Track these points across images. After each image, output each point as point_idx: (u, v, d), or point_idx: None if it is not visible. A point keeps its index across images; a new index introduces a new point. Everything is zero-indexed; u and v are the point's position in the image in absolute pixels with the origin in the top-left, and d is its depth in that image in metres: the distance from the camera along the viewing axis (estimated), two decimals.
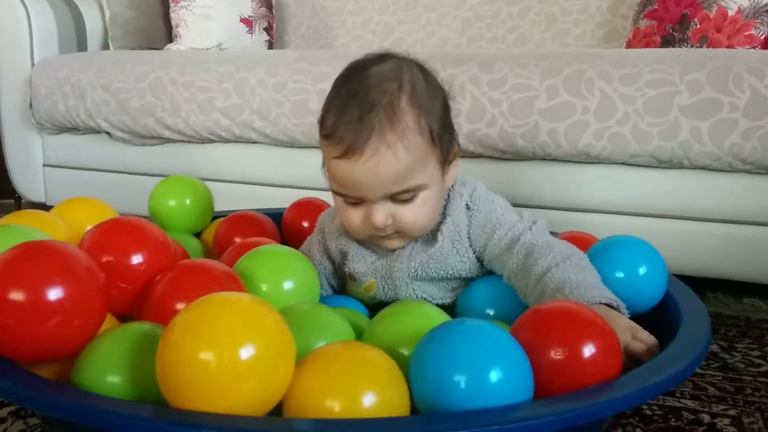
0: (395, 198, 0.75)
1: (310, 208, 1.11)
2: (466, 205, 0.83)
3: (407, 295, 0.84)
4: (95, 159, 1.78)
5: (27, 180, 1.88)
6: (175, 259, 0.71)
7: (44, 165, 1.86)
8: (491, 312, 0.80)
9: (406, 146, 0.72)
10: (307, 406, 0.50)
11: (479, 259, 0.84)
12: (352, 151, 0.71)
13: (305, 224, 1.08)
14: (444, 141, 0.77)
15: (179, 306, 0.61)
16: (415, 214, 0.77)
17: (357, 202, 0.77)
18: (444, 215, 0.82)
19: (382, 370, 0.52)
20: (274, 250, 0.78)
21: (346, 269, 0.87)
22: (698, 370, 0.98)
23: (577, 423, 0.47)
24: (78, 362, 0.57)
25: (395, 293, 0.85)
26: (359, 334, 0.69)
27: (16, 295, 0.53)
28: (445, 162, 0.79)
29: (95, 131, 1.74)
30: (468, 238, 0.82)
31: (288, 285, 0.74)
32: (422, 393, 0.53)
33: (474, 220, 0.82)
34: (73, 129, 1.77)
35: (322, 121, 0.77)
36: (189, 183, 1.08)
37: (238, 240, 0.98)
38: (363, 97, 0.72)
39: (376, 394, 0.50)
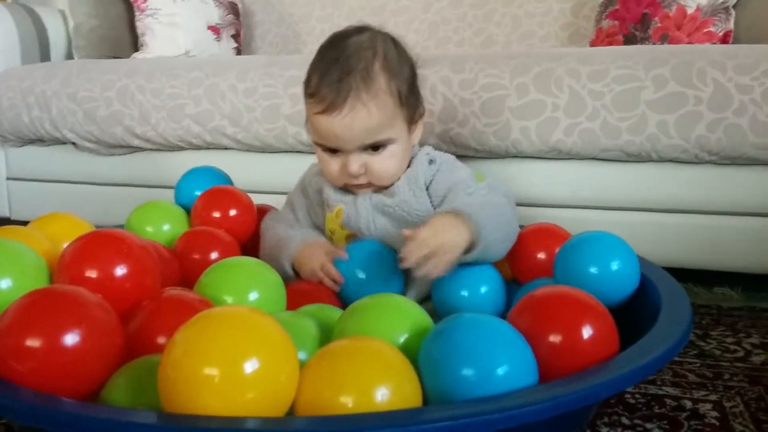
0: (368, 149, 0.88)
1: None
2: (429, 160, 0.94)
3: (368, 226, 0.93)
4: (61, 171, 1.74)
5: None
6: (159, 267, 0.70)
7: (8, 178, 1.82)
8: (465, 293, 0.85)
9: (378, 105, 0.85)
10: (318, 403, 0.50)
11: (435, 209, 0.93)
12: (332, 107, 0.84)
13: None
14: (410, 102, 0.90)
15: (160, 340, 0.61)
16: (385, 164, 0.89)
17: (335, 151, 0.89)
18: (408, 167, 0.94)
19: (393, 363, 0.53)
20: (238, 263, 0.78)
21: (323, 199, 0.97)
22: (677, 358, 1.00)
23: (572, 408, 0.48)
24: (100, 398, 0.56)
25: (357, 221, 0.94)
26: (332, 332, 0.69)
27: (33, 343, 0.52)
28: (411, 121, 0.91)
29: (61, 142, 1.70)
30: (426, 185, 0.93)
31: (253, 296, 0.74)
32: (434, 387, 0.54)
33: (438, 176, 0.93)
34: (38, 140, 1.73)
35: (308, 82, 0.89)
36: (166, 208, 1.06)
37: (216, 215, 1.02)
38: (343, 62, 0.85)
39: (389, 388, 0.50)
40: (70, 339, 0.52)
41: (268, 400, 0.47)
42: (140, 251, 0.67)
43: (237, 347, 0.48)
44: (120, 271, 0.65)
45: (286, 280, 0.87)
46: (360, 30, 0.90)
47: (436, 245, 0.76)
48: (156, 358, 0.55)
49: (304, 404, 0.50)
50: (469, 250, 0.80)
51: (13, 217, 1.82)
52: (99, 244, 0.66)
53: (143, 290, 0.66)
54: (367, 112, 0.84)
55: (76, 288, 0.57)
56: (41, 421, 0.45)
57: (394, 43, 0.91)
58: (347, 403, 0.49)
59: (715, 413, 0.82)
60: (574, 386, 0.49)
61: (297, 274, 0.94)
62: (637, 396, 0.87)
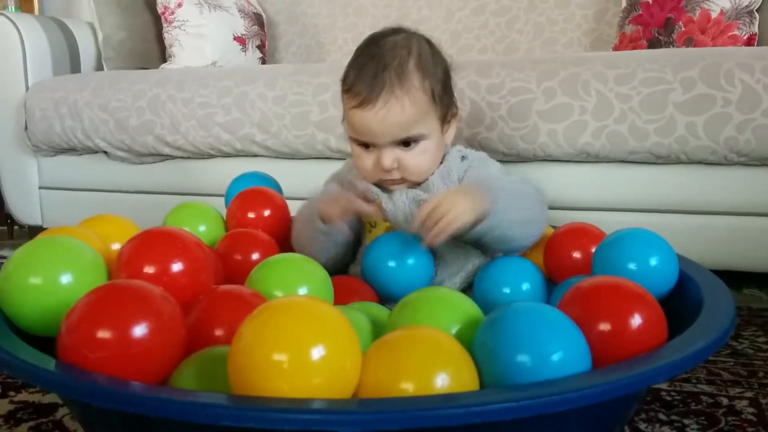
0: (400, 144, 0.90)
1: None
2: (462, 156, 0.98)
3: (406, 218, 0.94)
4: (92, 179, 1.78)
5: (22, 203, 1.87)
6: (213, 264, 0.72)
7: (40, 188, 1.86)
8: (507, 290, 0.87)
9: (411, 100, 0.87)
10: (380, 390, 0.51)
11: None
12: (367, 101, 0.87)
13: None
14: (444, 101, 0.93)
15: (218, 332, 0.63)
16: (417, 159, 0.92)
17: (369, 146, 0.92)
18: (441, 164, 0.96)
19: (451, 351, 0.54)
20: (287, 259, 0.80)
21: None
22: (710, 357, 1.00)
23: (631, 390, 0.49)
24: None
25: (395, 215, 0.95)
26: (381, 327, 0.71)
27: (104, 334, 0.54)
28: (444, 119, 0.94)
29: (93, 151, 1.74)
30: (459, 180, 0.96)
31: (302, 291, 0.75)
32: (490, 373, 0.55)
33: (470, 171, 0.96)
34: (70, 150, 1.77)
35: (345, 78, 0.92)
36: (202, 209, 1.08)
37: (251, 215, 1.03)
38: (378, 59, 0.88)
39: (448, 374, 0.51)
40: (139, 331, 0.54)
41: (333, 386, 0.49)
42: (195, 248, 0.69)
43: (304, 335, 0.49)
44: (176, 267, 0.67)
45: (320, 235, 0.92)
46: (396, 31, 0.93)
47: (445, 208, 0.80)
48: (219, 349, 0.58)
49: (366, 391, 0.52)
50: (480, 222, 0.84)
51: (45, 225, 1.86)
52: (156, 241, 0.68)
53: (199, 286, 0.67)
54: (400, 107, 0.87)
55: (142, 282, 0.59)
56: (132, 405, 0.47)
57: (429, 44, 0.94)
58: (408, 389, 0.50)
59: (751, 409, 0.83)
60: (632, 370, 0.50)
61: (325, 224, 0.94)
62: (672, 393, 0.88)
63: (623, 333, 0.58)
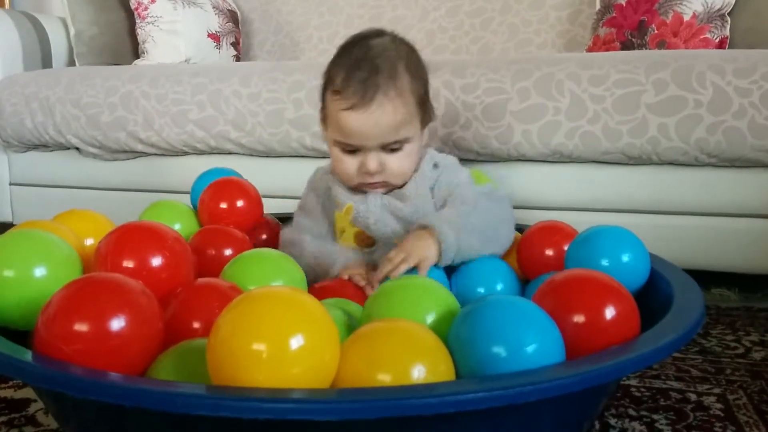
0: (386, 148, 0.90)
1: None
2: (434, 164, 0.97)
3: (376, 223, 0.95)
4: (64, 176, 1.75)
5: None
6: (192, 258, 0.72)
7: (11, 184, 1.82)
8: (482, 290, 0.88)
9: (403, 103, 0.88)
10: (358, 381, 0.51)
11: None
12: (361, 103, 0.86)
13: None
14: (426, 105, 0.94)
15: (196, 324, 0.63)
16: (401, 162, 0.92)
17: (353, 150, 0.91)
18: (416, 170, 0.97)
19: (428, 343, 0.54)
20: (260, 254, 0.80)
21: (331, 198, 0.99)
22: (678, 354, 1.02)
23: (602, 381, 0.49)
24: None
25: (366, 218, 0.95)
26: (356, 322, 0.71)
27: (80, 327, 0.53)
28: (424, 123, 0.95)
29: (64, 147, 1.71)
30: (431, 188, 0.96)
31: (276, 285, 0.75)
32: (466, 365, 0.56)
33: (440, 178, 0.97)
34: (41, 146, 1.74)
35: (331, 80, 0.91)
36: (176, 207, 1.07)
37: (224, 206, 1.02)
38: (369, 61, 0.88)
39: (425, 366, 0.52)
40: (116, 324, 0.53)
41: (312, 376, 0.49)
42: (175, 243, 0.68)
43: (284, 324, 0.49)
44: (156, 261, 0.66)
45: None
46: (380, 33, 0.94)
47: (413, 259, 0.83)
48: (197, 341, 0.57)
49: (344, 382, 0.52)
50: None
51: (15, 222, 1.83)
52: (136, 235, 0.68)
53: (178, 280, 0.67)
54: (393, 109, 0.87)
55: (120, 275, 0.59)
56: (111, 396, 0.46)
57: (412, 48, 0.95)
58: (385, 380, 0.50)
59: (719, 405, 0.84)
60: (605, 361, 0.51)
61: None
62: (642, 390, 0.89)
63: (597, 325, 0.58)
